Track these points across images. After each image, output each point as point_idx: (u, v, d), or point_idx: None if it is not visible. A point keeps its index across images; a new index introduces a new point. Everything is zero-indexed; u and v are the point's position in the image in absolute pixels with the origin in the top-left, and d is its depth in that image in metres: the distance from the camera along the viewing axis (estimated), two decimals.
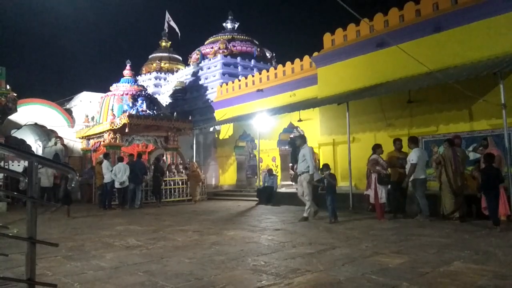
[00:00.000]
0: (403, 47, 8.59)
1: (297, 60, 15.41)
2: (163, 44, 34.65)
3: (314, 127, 13.84)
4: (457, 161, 7.45)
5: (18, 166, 16.18)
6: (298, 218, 8.36)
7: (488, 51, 9.45)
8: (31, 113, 17.04)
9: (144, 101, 15.95)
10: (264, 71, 17.20)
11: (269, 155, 16.46)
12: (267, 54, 28.94)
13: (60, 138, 17.55)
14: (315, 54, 13.89)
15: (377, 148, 8.35)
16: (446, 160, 7.53)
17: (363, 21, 10.87)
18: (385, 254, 4.58)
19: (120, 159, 12.57)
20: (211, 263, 4.32)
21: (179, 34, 32.90)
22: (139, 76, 29.78)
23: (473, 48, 9.77)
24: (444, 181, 7.50)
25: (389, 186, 8.17)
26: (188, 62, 29.69)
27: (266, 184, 13.09)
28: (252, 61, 26.49)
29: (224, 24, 30.03)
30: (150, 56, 33.91)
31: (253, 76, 17.79)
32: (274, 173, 13.95)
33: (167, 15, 33.54)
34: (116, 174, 11.90)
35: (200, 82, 26.27)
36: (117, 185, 11.98)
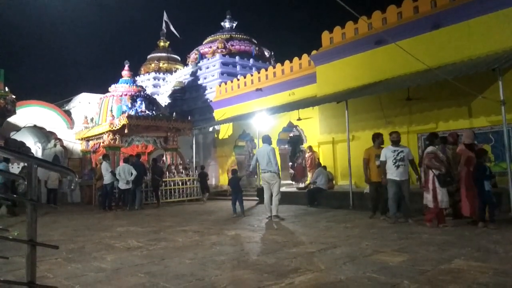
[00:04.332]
0: (401, 45, 8.59)
1: (295, 59, 15.40)
2: (161, 44, 34.62)
3: (314, 126, 13.84)
4: (447, 158, 7.37)
5: (18, 168, 16.16)
6: (298, 217, 8.40)
7: (486, 47, 9.45)
8: (30, 115, 17.02)
9: (143, 102, 15.93)
10: (263, 70, 17.19)
11: None
12: (266, 53, 28.92)
13: (60, 139, 17.53)
14: (314, 52, 13.89)
15: (435, 137, 6.95)
16: None
17: (361, 19, 10.86)
18: (385, 253, 4.58)
19: (126, 160, 12.56)
20: (212, 263, 4.32)
21: (178, 35, 32.91)
22: (137, 77, 29.74)
23: (471, 44, 9.77)
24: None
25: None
26: (187, 62, 29.67)
27: None
28: (251, 60, 26.46)
29: (222, 24, 30.00)
30: (148, 57, 33.88)
31: (252, 75, 17.78)
32: None
33: (165, 15, 33.56)
34: (120, 174, 11.89)
35: (199, 82, 26.25)
36: (122, 186, 11.96)
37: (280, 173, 8.57)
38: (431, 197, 6.49)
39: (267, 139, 8.56)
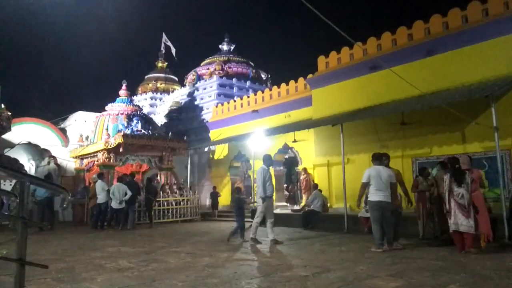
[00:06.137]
0: (396, 70, 8.74)
1: (292, 82, 15.59)
2: (159, 64, 34.95)
3: (309, 148, 13.88)
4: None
5: (10, 185, 15.95)
6: (293, 240, 8.32)
7: (479, 74, 9.64)
8: (25, 132, 16.94)
9: (139, 121, 15.95)
10: (259, 92, 17.35)
11: None
12: (263, 76, 29.25)
13: (54, 157, 17.40)
14: (310, 76, 14.08)
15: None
16: (438, 181, 7.59)
17: (356, 44, 11.08)
18: (380, 277, 4.53)
19: (120, 179, 12.45)
20: (204, 286, 4.25)
21: (174, 55, 33.17)
22: (135, 96, 29.88)
23: (464, 71, 9.96)
24: (437, 202, 7.54)
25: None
26: (184, 83, 29.92)
27: None
28: (248, 82, 26.75)
29: (220, 46, 30.44)
30: (146, 77, 34.13)
31: (248, 97, 17.94)
32: None
33: (164, 36, 33.99)
34: (115, 193, 11.77)
35: (196, 103, 26.40)
36: (115, 205, 11.81)
37: (264, 197, 7.84)
38: (473, 222, 6.03)
39: (264, 160, 8.46)
